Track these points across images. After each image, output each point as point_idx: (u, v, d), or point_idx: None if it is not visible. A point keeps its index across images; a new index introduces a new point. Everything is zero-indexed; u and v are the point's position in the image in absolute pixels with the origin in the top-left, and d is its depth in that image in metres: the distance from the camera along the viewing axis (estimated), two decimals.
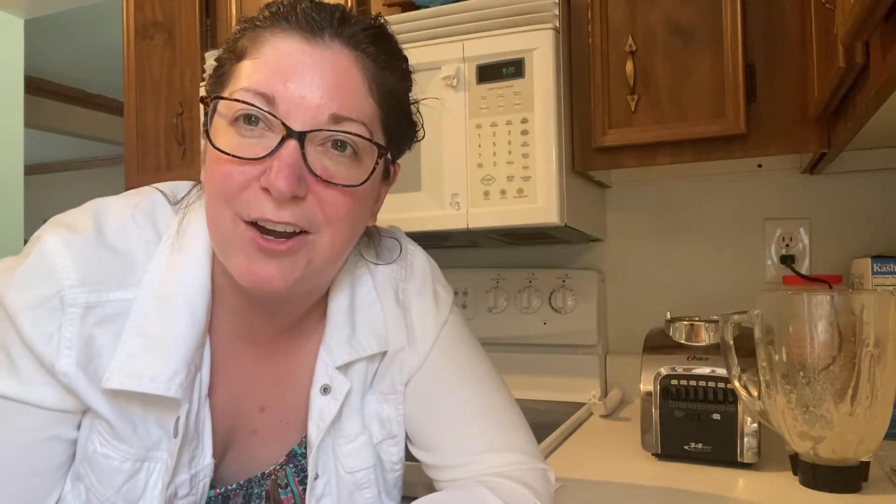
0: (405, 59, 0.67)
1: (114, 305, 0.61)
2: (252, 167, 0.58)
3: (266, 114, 0.58)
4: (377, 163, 0.62)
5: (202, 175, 0.64)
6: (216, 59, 0.65)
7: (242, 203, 0.58)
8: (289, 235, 0.59)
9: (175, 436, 0.62)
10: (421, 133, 0.71)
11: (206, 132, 0.60)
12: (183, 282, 0.63)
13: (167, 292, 0.62)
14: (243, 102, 0.58)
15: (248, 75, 0.59)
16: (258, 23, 0.62)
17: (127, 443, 0.61)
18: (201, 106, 0.65)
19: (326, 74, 0.59)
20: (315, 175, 0.58)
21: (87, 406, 0.61)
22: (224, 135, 0.59)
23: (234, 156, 0.58)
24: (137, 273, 0.63)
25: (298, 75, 0.58)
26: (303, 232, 0.59)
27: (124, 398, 0.61)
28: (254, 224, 0.58)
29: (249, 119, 0.58)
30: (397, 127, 0.66)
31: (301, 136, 0.57)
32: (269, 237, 0.58)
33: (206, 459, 0.66)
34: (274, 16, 0.61)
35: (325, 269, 0.64)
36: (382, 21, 0.65)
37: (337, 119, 0.59)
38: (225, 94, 0.61)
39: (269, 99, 0.58)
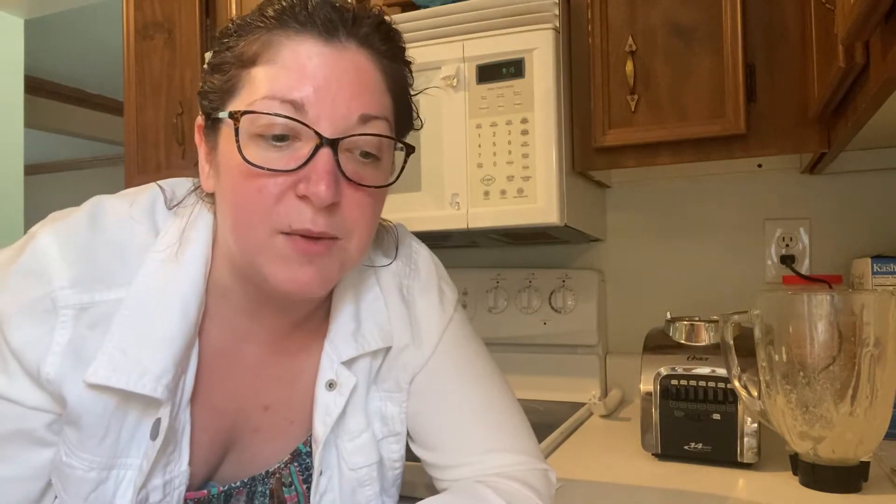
0: (405, 48, 0.67)
1: (106, 306, 0.59)
2: (285, 178, 0.57)
3: (297, 124, 0.57)
4: (405, 161, 0.64)
5: (214, 186, 0.63)
6: (214, 68, 0.62)
7: (280, 215, 0.58)
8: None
9: (153, 438, 0.60)
10: (418, 122, 0.70)
11: (239, 149, 0.58)
12: (178, 281, 0.62)
13: (161, 290, 0.61)
14: (276, 115, 0.57)
15: (269, 81, 0.58)
16: (261, 24, 0.59)
17: (90, 451, 0.59)
18: (204, 119, 0.63)
19: (351, 76, 0.59)
20: (348, 179, 0.59)
21: (64, 407, 0.59)
22: (249, 147, 0.58)
23: (269, 169, 0.57)
24: (131, 271, 0.61)
25: (325, 79, 0.58)
26: (333, 237, 0.60)
27: (106, 394, 0.58)
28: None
29: (278, 135, 0.58)
30: (405, 117, 0.67)
31: (334, 143, 0.58)
32: (308, 240, 0.59)
33: (182, 466, 0.64)
34: (280, 16, 0.59)
35: (350, 270, 0.65)
36: (386, 15, 0.65)
37: (366, 119, 0.59)
38: (240, 105, 0.59)
39: (297, 105, 0.57)
